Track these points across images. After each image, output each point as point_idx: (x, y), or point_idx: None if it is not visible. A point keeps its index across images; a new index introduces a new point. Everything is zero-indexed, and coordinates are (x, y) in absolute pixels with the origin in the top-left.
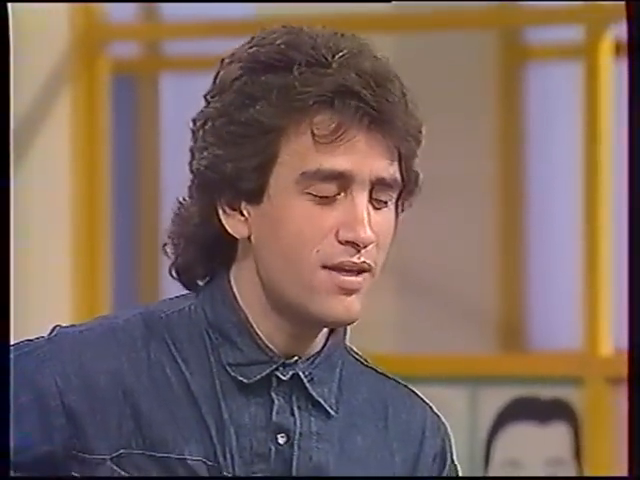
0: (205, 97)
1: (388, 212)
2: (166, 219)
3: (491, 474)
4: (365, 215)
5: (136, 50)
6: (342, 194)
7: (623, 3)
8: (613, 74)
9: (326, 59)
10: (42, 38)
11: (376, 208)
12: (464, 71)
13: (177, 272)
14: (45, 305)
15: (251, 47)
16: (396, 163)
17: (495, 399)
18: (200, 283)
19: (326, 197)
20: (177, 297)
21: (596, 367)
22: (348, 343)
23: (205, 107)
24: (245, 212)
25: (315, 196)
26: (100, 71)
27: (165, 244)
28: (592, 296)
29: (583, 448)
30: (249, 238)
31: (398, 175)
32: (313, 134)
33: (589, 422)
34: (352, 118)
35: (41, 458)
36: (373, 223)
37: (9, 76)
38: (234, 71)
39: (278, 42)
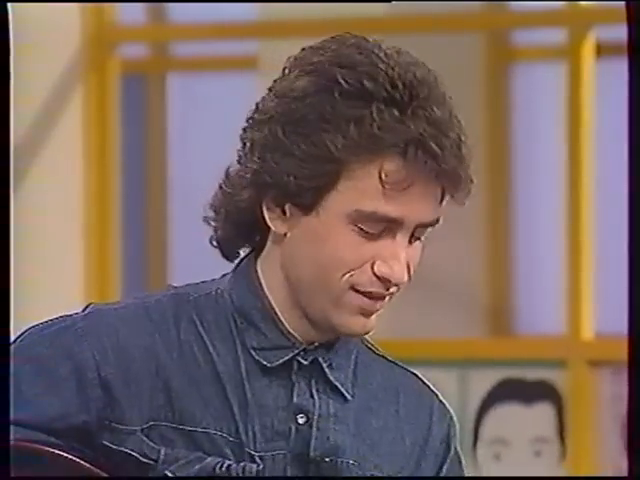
0: (271, 89)
1: (419, 243)
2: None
3: (480, 452)
4: (403, 256)
5: (145, 51)
6: (386, 231)
7: (604, 6)
8: (594, 74)
9: (403, 100)
10: (56, 39)
11: (411, 243)
12: (454, 70)
13: (217, 242)
14: (58, 292)
15: (331, 64)
16: (439, 206)
17: (483, 381)
18: (240, 252)
19: (372, 233)
20: (205, 281)
21: (578, 350)
22: None
23: (272, 102)
24: (288, 212)
25: (361, 229)
26: (111, 71)
27: (206, 216)
28: (574, 284)
29: (566, 427)
30: (284, 234)
31: (439, 214)
32: (381, 179)
33: (572, 402)
34: (421, 170)
35: (77, 426)
36: (407, 256)
37: (9, 77)
38: (309, 83)
39: (359, 69)
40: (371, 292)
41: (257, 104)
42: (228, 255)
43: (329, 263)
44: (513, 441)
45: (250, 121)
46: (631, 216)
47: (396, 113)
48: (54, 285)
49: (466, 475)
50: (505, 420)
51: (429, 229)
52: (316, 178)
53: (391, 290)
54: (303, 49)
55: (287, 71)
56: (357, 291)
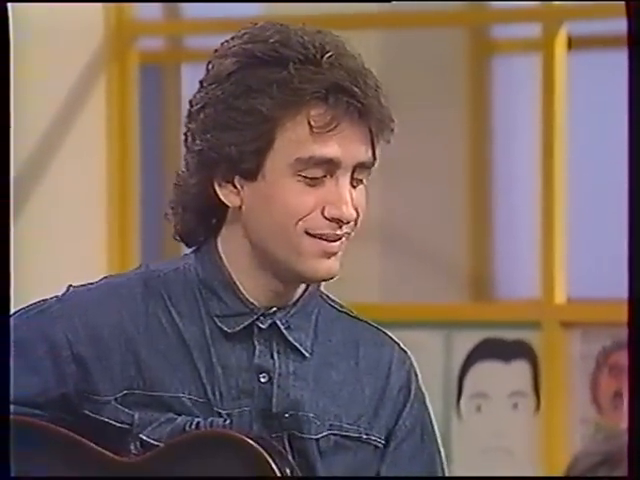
0: (201, 83)
1: (363, 187)
2: None
3: (463, 404)
4: (348, 196)
5: (161, 44)
6: (328, 176)
7: (575, 4)
8: (567, 65)
9: (316, 57)
10: (81, 33)
11: (354, 186)
12: (439, 62)
13: (180, 236)
14: (82, 263)
15: (246, 43)
16: (371, 146)
17: (466, 341)
18: (196, 237)
19: (315, 178)
20: (174, 258)
21: (552, 313)
22: (333, 294)
23: (202, 93)
24: (238, 185)
25: (305, 177)
26: (130, 62)
27: (167, 213)
28: (549, 253)
29: (541, 382)
30: (240, 207)
31: (372, 156)
32: (310, 125)
33: (546, 360)
34: (344, 112)
35: (57, 399)
36: (353, 199)
37: (9, 76)
38: (231, 64)
39: (271, 40)
40: (325, 234)
41: (190, 101)
42: (191, 245)
43: (282, 215)
44: (493, 395)
45: (187, 118)
46: (631, 204)
47: (312, 68)
48: (78, 264)
49: (440, 421)
50: (486, 376)
51: (368, 172)
52: (255, 141)
53: (344, 230)
54: (221, 43)
55: (210, 66)
56: (312, 236)
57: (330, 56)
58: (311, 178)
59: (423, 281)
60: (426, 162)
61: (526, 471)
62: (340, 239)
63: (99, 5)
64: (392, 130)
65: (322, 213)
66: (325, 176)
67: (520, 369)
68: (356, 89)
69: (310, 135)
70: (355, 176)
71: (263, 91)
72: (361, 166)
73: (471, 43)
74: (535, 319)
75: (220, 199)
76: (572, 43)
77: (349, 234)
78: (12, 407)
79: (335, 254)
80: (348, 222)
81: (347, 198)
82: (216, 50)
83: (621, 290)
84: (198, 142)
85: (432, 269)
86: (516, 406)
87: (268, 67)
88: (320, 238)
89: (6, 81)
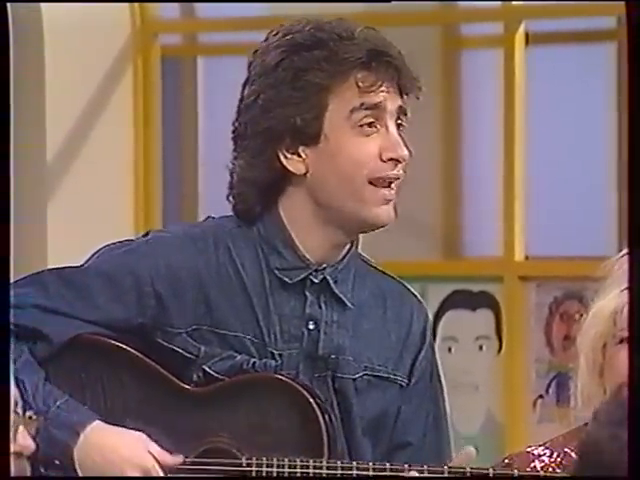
0: (246, 81)
1: (404, 135)
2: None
3: (436, 347)
4: (399, 138)
5: (180, 40)
6: (379, 126)
7: (532, 5)
8: (525, 58)
9: (348, 34)
10: (109, 31)
11: (399, 133)
12: (414, 56)
13: (239, 214)
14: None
15: (285, 35)
16: (403, 99)
17: (439, 292)
18: (254, 213)
19: (369, 127)
20: (232, 216)
21: (512, 268)
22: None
23: (253, 87)
24: (303, 154)
25: (360, 126)
26: (153, 56)
27: (227, 196)
28: (510, 217)
29: (502, 327)
30: (305, 174)
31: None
32: (358, 86)
33: (506, 309)
34: (385, 71)
35: (135, 327)
36: (404, 140)
37: (9, 75)
38: (277, 55)
39: (307, 28)
40: (387, 175)
41: (240, 99)
42: (249, 223)
43: (350, 166)
44: (461, 338)
45: (238, 113)
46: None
47: (348, 42)
48: (107, 221)
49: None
50: (455, 322)
51: (406, 118)
52: (315, 108)
53: (399, 171)
54: (262, 42)
55: (253, 65)
56: (373, 184)
57: (361, 30)
58: (367, 125)
59: (402, 241)
60: (406, 140)
61: (490, 403)
62: (397, 179)
63: (125, 5)
64: (419, 88)
65: (380, 158)
66: (376, 124)
67: (485, 316)
68: (391, 51)
69: (358, 93)
70: (398, 121)
71: (312, 68)
72: (402, 111)
73: (442, 39)
74: (497, 274)
75: (286, 169)
76: (530, 39)
77: (400, 179)
78: (95, 328)
79: (391, 201)
80: (403, 160)
81: (399, 140)
82: (255, 51)
83: (570, 249)
84: (261, 123)
85: (410, 231)
86: (481, 348)
87: (311, 49)
88: (379, 185)
89: (6, 80)
